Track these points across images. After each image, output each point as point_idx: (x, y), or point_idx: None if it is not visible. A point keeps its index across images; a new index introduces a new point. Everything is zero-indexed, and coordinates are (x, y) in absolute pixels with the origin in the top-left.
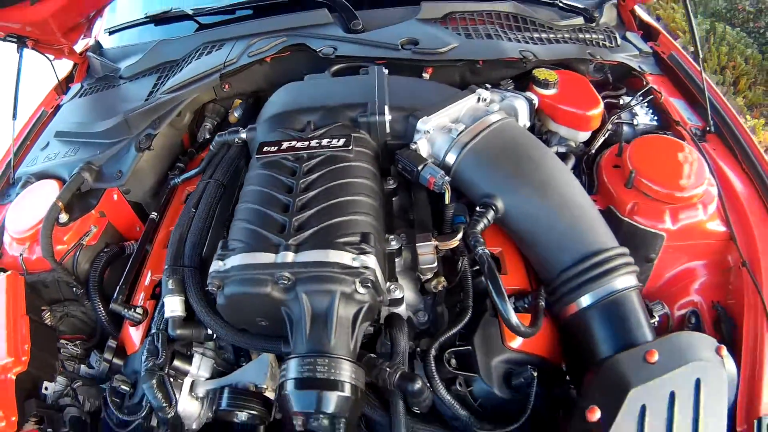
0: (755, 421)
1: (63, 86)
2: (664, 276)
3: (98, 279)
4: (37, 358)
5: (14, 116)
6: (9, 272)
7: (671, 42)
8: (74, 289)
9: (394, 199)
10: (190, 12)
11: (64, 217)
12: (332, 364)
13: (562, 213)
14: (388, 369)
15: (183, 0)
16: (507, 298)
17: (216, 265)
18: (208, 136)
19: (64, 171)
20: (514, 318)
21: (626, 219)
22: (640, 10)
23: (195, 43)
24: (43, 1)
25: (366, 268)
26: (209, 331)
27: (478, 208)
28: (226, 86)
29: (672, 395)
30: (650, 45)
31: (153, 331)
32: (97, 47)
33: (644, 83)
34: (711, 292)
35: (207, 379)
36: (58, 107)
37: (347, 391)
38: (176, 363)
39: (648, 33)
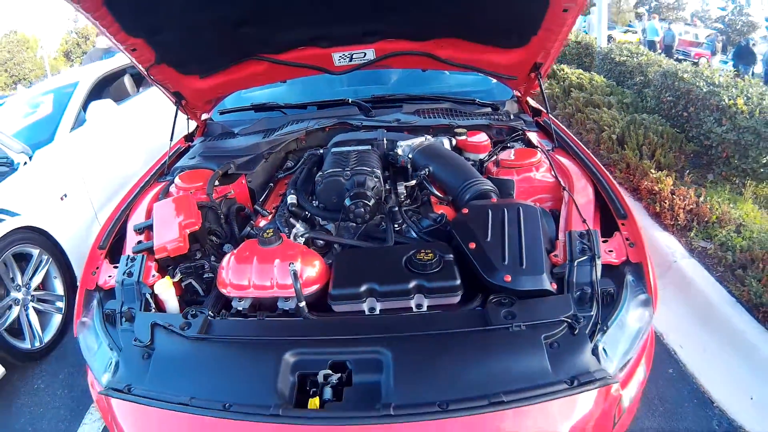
0: (567, 233)
1: (184, 138)
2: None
3: (234, 213)
4: (200, 230)
5: (171, 138)
6: None
7: (547, 115)
8: (219, 213)
9: (387, 181)
10: (282, 104)
11: (216, 183)
12: (365, 193)
13: (456, 169)
14: (387, 205)
15: (269, 97)
16: (432, 186)
17: (319, 173)
18: (289, 167)
19: (212, 166)
20: (434, 189)
21: (494, 177)
22: (532, 102)
23: (284, 121)
24: (207, 79)
25: (376, 171)
26: (306, 213)
27: (420, 169)
28: (303, 141)
29: (503, 210)
30: (535, 119)
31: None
32: (211, 119)
33: (520, 134)
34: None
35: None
36: (189, 147)
37: (372, 196)
38: (291, 219)
39: (538, 112)
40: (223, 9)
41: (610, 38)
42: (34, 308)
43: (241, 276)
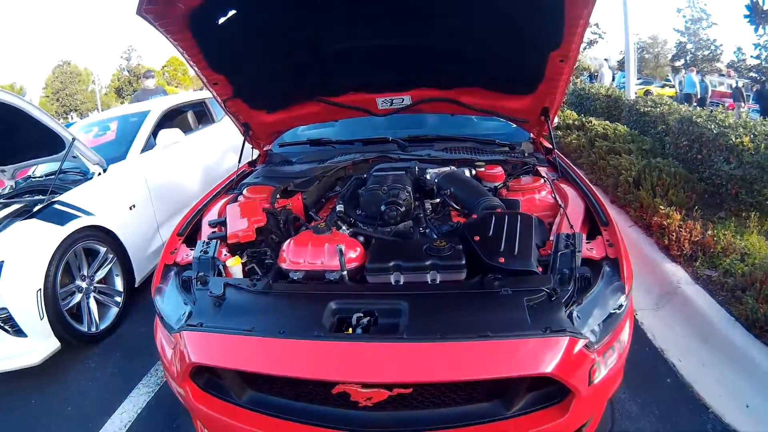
0: (556, 235)
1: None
2: None
3: (291, 221)
4: (264, 227)
5: (239, 162)
6: None
7: (556, 152)
8: (279, 219)
9: (417, 200)
10: (334, 140)
11: (277, 196)
12: (397, 202)
13: (472, 190)
14: (414, 212)
15: (322, 134)
16: (452, 203)
17: (362, 188)
18: (337, 190)
19: (274, 183)
20: (453, 205)
21: (504, 198)
22: (544, 141)
23: (335, 153)
24: (273, 114)
25: (408, 187)
26: (351, 219)
27: (443, 190)
28: (350, 170)
29: (505, 215)
30: (546, 157)
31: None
32: (271, 150)
33: (530, 167)
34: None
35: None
36: (252, 171)
37: (403, 204)
38: (338, 222)
39: (549, 151)
40: (294, 58)
41: (648, 92)
42: (94, 298)
43: (298, 255)
